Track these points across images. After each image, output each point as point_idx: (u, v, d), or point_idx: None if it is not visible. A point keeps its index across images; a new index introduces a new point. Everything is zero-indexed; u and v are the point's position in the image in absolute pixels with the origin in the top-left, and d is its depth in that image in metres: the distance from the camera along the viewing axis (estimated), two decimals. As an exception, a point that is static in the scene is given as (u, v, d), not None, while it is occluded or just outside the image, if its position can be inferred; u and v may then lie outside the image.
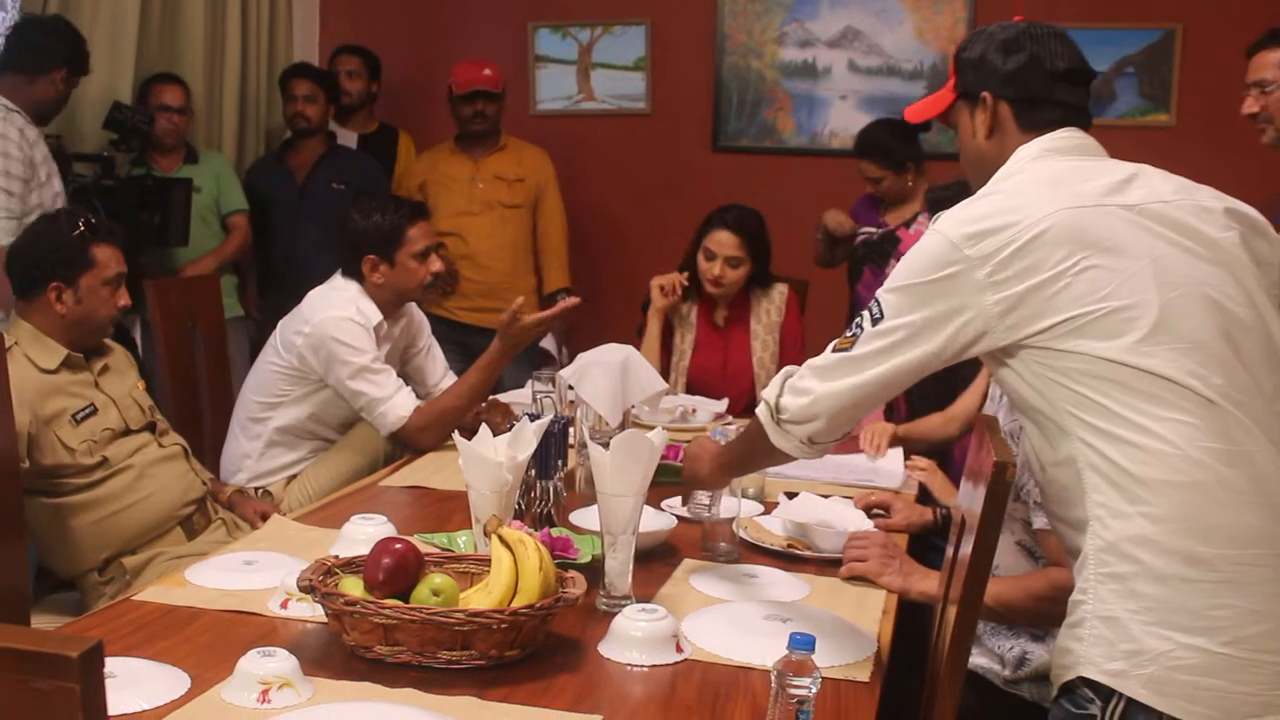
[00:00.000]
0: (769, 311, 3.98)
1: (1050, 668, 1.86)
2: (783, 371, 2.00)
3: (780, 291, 4.01)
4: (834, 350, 1.90)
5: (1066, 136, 1.92)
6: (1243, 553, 1.69)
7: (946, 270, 1.77)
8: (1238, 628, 1.67)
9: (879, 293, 1.86)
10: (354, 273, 3.35)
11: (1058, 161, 1.88)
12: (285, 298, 4.54)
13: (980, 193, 1.88)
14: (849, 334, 1.88)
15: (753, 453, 2.11)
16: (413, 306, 3.57)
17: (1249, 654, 1.67)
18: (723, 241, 3.87)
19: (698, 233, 3.95)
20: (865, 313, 1.87)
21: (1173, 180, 1.88)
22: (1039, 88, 1.94)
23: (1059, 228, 1.74)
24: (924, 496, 2.93)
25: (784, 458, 2.01)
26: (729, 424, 3.49)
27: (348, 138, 5.24)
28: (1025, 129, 1.94)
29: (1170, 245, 1.76)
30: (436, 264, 3.43)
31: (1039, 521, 2.23)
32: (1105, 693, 1.71)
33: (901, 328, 1.82)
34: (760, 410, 1.99)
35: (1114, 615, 1.72)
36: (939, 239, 1.80)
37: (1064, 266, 1.73)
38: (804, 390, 1.92)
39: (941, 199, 2.40)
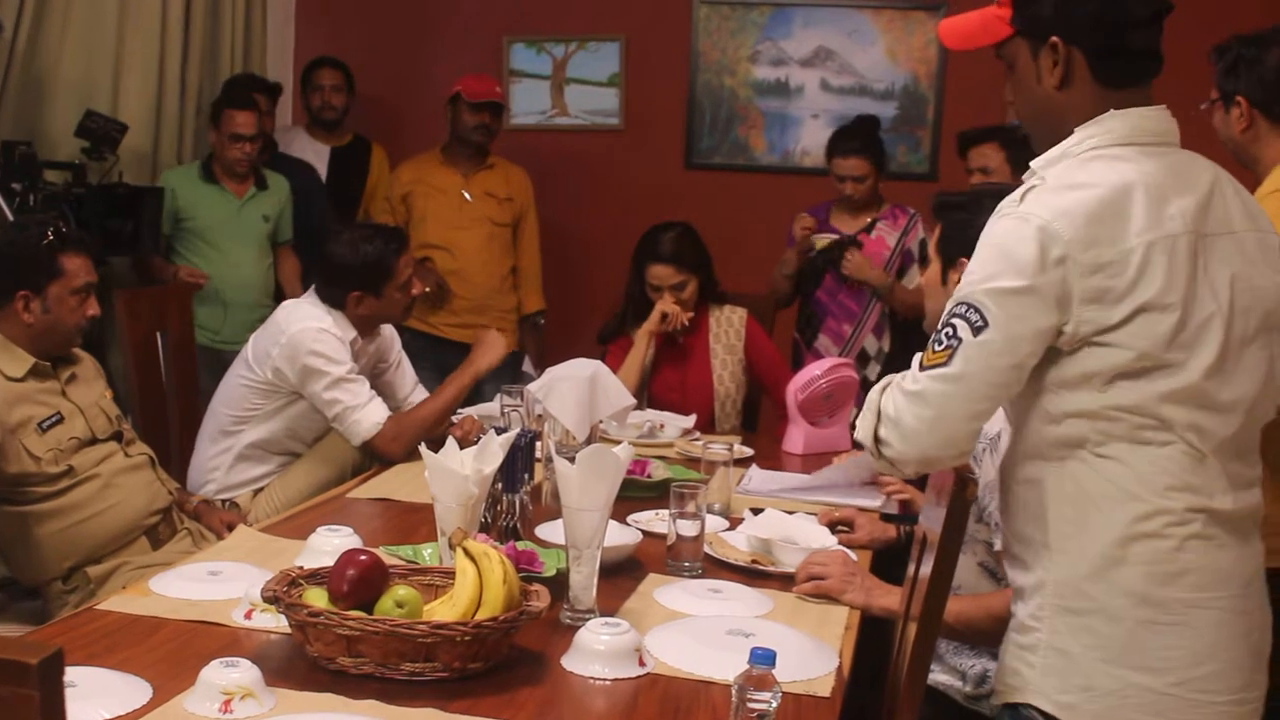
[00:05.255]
0: (728, 333, 3.99)
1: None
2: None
3: (740, 315, 4.01)
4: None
5: (1155, 118, 1.79)
6: (1201, 595, 1.72)
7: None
8: (1186, 668, 1.71)
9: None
10: (332, 300, 3.34)
11: (1148, 158, 1.75)
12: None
13: (1079, 181, 1.73)
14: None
15: None
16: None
17: (1195, 694, 1.71)
18: (660, 274, 3.90)
19: (636, 262, 3.96)
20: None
21: (1241, 197, 1.83)
22: (1120, 36, 1.77)
23: (1151, 264, 1.68)
24: (907, 516, 2.91)
25: None
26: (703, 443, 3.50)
27: (321, 151, 5.23)
28: (1103, 83, 1.78)
29: (1235, 290, 1.73)
30: (417, 288, 3.44)
31: (1000, 543, 2.25)
32: None
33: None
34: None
35: (1068, 649, 1.75)
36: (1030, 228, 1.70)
37: (1135, 308, 1.68)
38: None
39: (952, 203, 2.37)
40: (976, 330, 1.72)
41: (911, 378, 1.80)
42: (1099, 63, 1.78)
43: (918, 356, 1.82)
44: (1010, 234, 1.72)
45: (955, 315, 1.76)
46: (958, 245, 2.25)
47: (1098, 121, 1.77)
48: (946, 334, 1.76)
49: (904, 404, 1.80)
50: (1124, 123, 1.77)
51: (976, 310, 1.73)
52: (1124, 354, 1.69)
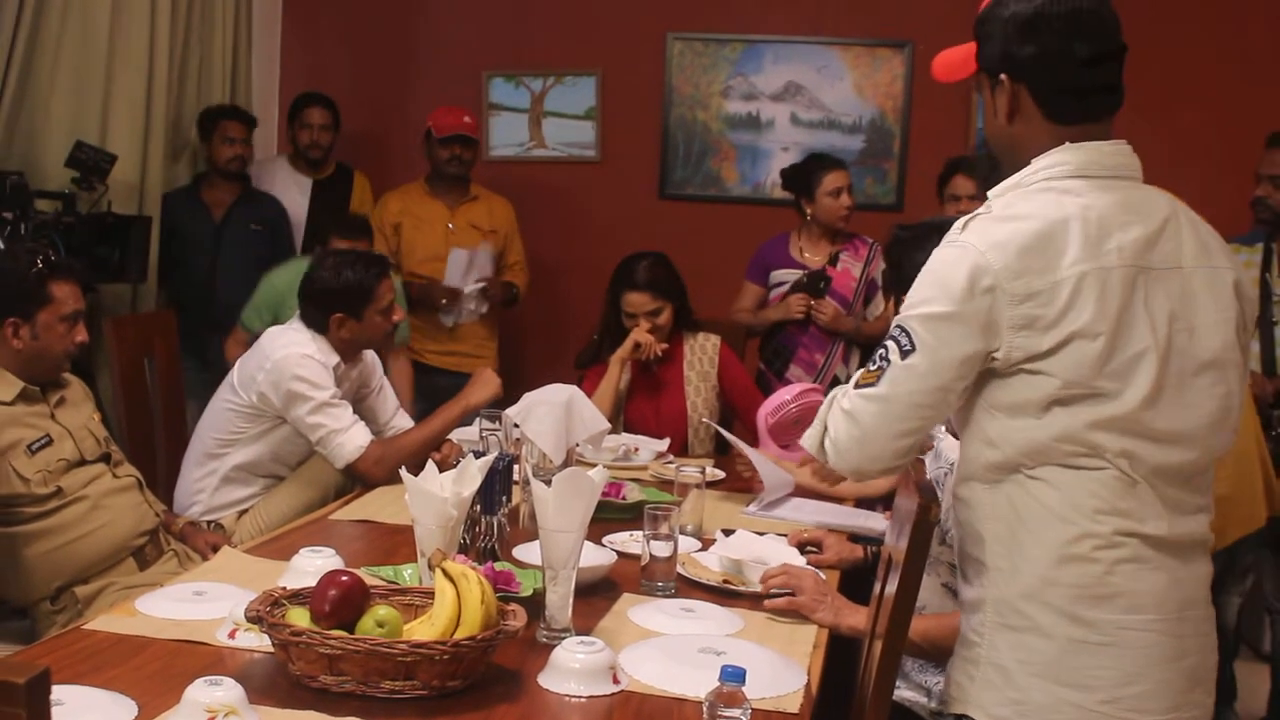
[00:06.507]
0: (702, 360, 4.05)
1: None
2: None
3: (713, 343, 4.08)
4: None
5: (1112, 153, 1.83)
6: (1131, 618, 1.77)
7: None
8: (1116, 687, 1.76)
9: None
10: (315, 324, 3.38)
11: (1099, 191, 1.79)
12: (207, 334, 4.53)
13: (1018, 212, 1.78)
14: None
15: None
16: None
17: (1124, 712, 1.77)
18: (635, 302, 3.96)
19: (611, 291, 4.02)
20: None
21: (1198, 232, 1.85)
22: (1062, 77, 1.81)
23: (1082, 294, 1.72)
24: (873, 537, 2.96)
25: None
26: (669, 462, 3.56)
27: (303, 183, 5.24)
28: (1053, 119, 1.83)
29: (1173, 329, 1.77)
30: (399, 314, 3.49)
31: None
32: None
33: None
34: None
35: (1005, 665, 1.81)
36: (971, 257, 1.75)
37: (1065, 336, 1.73)
38: None
39: (895, 241, 2.46)
40: (905, 353, 1.81)
41: (847, 396, 1.89)
42: (1045, 100, 1.83)
43: (856, 373, 1.91)
44: (946, 262, 1.80)
45: (890, 337, 1.85)
46: (894, 284, 2.41)
47: (1053, 153, 1.82)
48: (880, 355, 1.85)
49: (839, 421, 1.89)
50: (1079, 155, 1.81)
51: (907, 334, 1.81)
52: (1052, 381, 1.74)
